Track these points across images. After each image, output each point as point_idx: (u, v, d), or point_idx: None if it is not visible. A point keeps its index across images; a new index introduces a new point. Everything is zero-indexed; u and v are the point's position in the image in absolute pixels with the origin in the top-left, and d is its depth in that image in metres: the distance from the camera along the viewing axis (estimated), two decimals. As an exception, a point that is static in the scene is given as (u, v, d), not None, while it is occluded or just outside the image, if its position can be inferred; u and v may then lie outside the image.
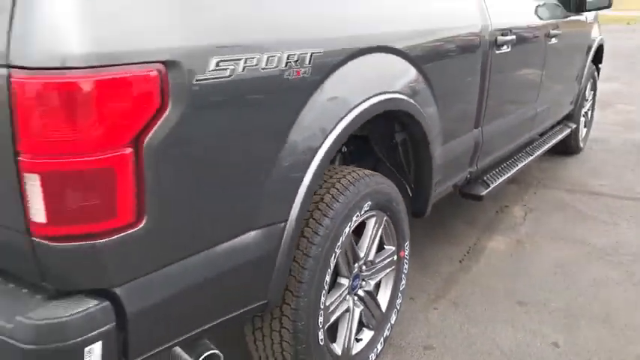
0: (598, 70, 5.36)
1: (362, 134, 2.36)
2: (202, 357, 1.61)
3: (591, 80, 5.16)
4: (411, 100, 2.16)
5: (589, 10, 4.32)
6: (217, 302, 1.58)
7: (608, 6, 4.30)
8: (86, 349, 1.26)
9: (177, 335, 1.49)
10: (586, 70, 4.79)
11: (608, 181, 4.59)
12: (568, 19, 4.06)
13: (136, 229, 1.29)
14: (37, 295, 1.31)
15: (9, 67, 1.14)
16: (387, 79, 2.06)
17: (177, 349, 1.65)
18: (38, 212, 1.20)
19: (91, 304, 1.27)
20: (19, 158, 1.17)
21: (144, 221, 1.30)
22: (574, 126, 4.76)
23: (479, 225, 3.70)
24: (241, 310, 1.65)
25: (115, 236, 1.26)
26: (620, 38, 17.78)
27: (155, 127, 1.27)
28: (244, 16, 1.50)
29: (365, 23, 1.95)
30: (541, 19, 3.53)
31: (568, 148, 5.09)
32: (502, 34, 2.89)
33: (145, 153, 1.26)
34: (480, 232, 3.61)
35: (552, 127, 4.54)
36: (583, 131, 5.30)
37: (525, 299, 2.86)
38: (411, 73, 2.19)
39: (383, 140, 2.45)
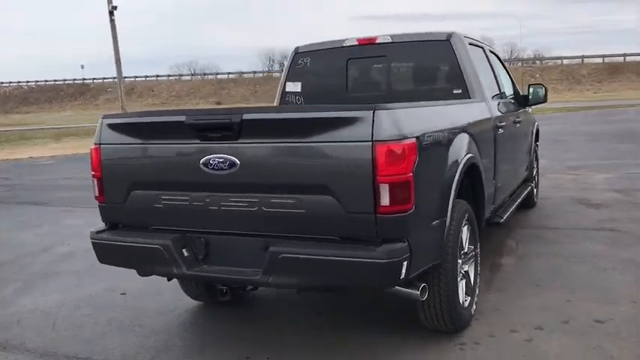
0: (537, 146, 7.43)
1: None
2: (421, 287, 3.15)
3: (534, 153, 7.18)
4: (476, 157, 3.90)
5: (530, 105, 6.39)
6: (431, 253, 3.16)
7: (544, 101, 6.36)
8: (403, 263, 2.81)
9: (423, 266, 3.05)
10: (533, 144, 6.81)
11: (560, 221, 6.49)
12: (521, 110, 6.06)
13: (413, 210, 2.89)
14: (374, 243, 2.85)
15: (373, 141, 2.76)
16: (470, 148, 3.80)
17: (399, 288, 3.17)
18: (384, 200, 2.78)
19: (402, 244, 2.84)
20: (377, 177, 2.77)
21: (414, 207, 2.90)
22: (532, 184, 6.69)
23: (491, 252, 5.39)
24: (435, 262, 3.23)
25: (408, 212, 2.86)
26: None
27: (415, 164, 2.91)
28: (433, 121, 3.26)
29: (460, 119, 3.75)
30: (511, 111, 5.48)
31: (528, 202, 6.98)
32: (499, 121, 4.74)
33: (414, 175, 2.89)
34: (493, 255, 5.29)
35: (518, 187, 6.43)
36: (534, 190, 7.25)
37: (538, 282, 4.54)
38: (473, 144, 3.94)
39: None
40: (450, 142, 3.41)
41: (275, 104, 5.35)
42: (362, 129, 2.79)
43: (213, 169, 3.07)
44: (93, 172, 3.48)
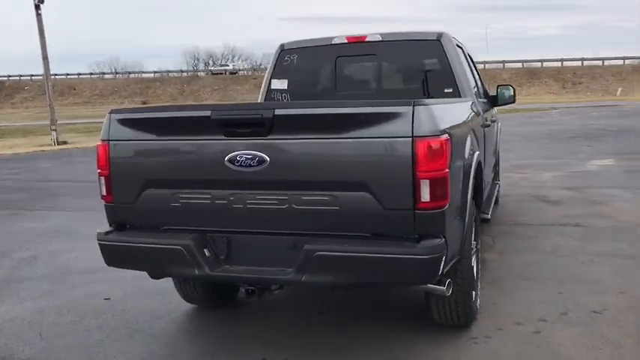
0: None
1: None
2: (447, 282, 3.16)
3: (498, 152, 7.42)
4: (480, 154, 3.97)
5: (500, 105, 6.58)
6: (456, 248, 3.18)
7: (513, 101, 6.57)
8: (442, 259, 2.82)
9: (451, 261, 3.06)
10: (498, 143, 7.04)
11: (526, 217, 6.72)
12: (492, 110, 6.24)
13: (448, 205, 2.90)
14: (410, 239, 2.84)
15: (413, 137, 2.75)
16: (474, 144, 3.87)
17: (429, 286, 3.17)
18: (424, 196, 2.78)
19: (440, 240, 2.84)
20: (417, 173, 2.76)
21: (449, 202, 2.91)
22: (498, 182, 6.90)
23: (471, 247, 5.52)
24: (458, 257, 3.25)
25: (445, 208, 2.87)
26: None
27: (449, 158, 2.92)
28: (457, 118, 3.29)
29: (467, 116, 3.80)
30: (487, 110, 5.64)
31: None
32: (485, 120, 4.86)
33: (449, 170, 2.90)
34: (474, 251, 5.42)
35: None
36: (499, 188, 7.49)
37: (526, 275, 4.68)
38: (475, 141, 4.02)
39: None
40: (466, 138, 3.46)
41: (259, 102, 5.25)
42: (401, 124, 2.77)
43: (240, 165, 2.96)
44: (99, 170, 3.28)
